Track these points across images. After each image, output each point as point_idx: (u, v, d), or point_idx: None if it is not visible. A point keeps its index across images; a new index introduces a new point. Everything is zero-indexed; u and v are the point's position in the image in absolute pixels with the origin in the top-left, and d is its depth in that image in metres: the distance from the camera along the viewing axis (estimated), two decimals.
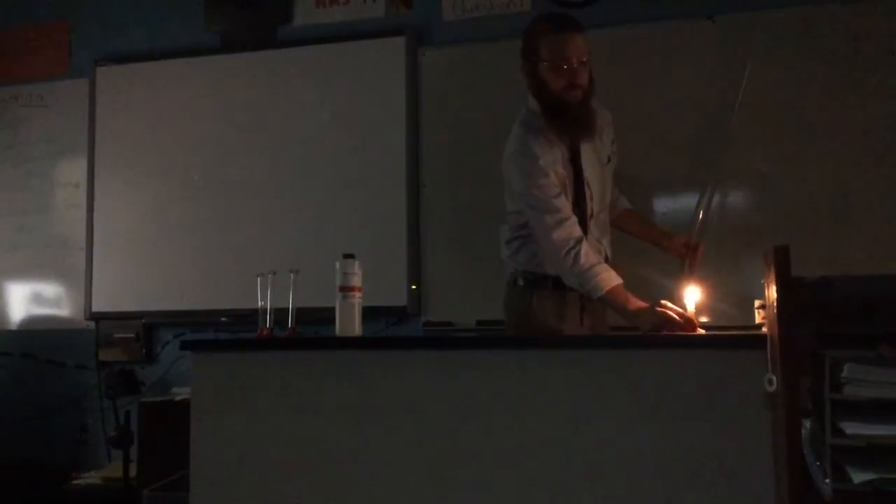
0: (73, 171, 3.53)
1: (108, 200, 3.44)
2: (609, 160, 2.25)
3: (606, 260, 2.16)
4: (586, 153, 2.15)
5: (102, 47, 3.55)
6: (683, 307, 1.82)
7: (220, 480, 1.87)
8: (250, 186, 3.28)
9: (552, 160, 2.05)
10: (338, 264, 2.00)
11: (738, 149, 2.79)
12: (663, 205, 2.86)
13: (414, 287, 3.07)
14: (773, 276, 1.42)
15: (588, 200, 2.14)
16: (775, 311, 1.41)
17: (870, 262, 2.60)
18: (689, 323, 1.79)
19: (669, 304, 1.82)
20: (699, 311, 1.81)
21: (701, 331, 1.79)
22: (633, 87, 2.90)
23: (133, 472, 2.88)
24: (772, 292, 1.44)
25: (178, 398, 2.96)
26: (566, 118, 2.05)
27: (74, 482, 3.07)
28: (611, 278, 1.95)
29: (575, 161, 2.11)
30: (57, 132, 3.58)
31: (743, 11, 2.83)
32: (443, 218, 3.04)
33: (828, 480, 1.33)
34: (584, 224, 2.08)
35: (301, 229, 3.19)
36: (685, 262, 2.15)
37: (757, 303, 1.88)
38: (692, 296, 1.81)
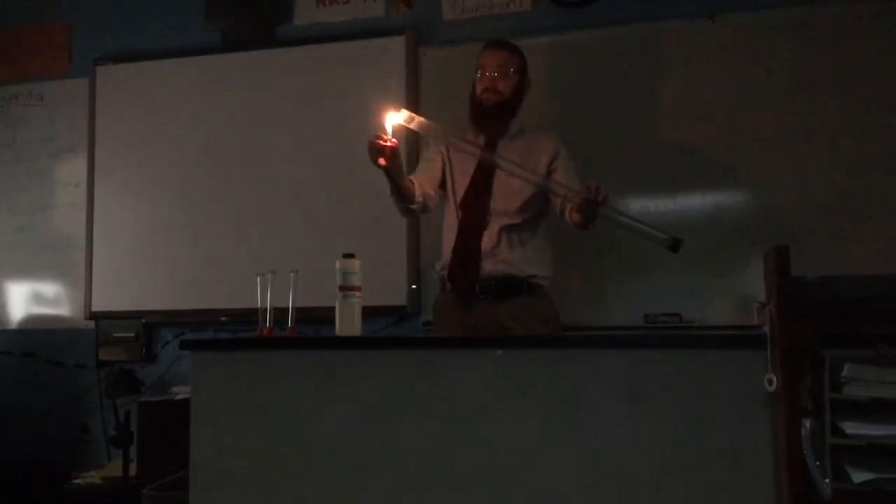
0: (72, 170, 3.53)
1: (107, 200, 3.44)
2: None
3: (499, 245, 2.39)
4: (504, 151, 2.39)
5: (102, 46, 3.55)
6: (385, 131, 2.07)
7: (220, 480, 1.87)
8: (250, 185, 3.28)
9: (429, 157, 2.53)
10: (338, 264, 2.00)
11: (737, 148, 2.80)
12: (662, 205, 2.86)
13: (414, 287, 3.08)
14: (773, 276, 1.42)
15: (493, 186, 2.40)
16: (775, 310, 1.42)
17: (870, 262, 2.60)
18: (380, 140, 2.06)
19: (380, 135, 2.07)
20: (394, 133, 2.07)
21: (392, 143, 2.06)
22: (633, 87, 2.90)
23: (133, 471, 2.88)
24: (772, 292, 1.44)
25: (177, 398, 2.95)
26: (479, 116, 2.41)
27: (74, 481, 3.06)
28: None
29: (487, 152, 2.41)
30: (57, 131, 3.58)
31: (744, 11, 2.83)
32: (442, 217, 3.02)
33: (828, 480, 1.33)
34: (485, 201, 2.39)
35: (301, 229, 3.19)
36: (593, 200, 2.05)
37: (757, 303, 1.88)
38: (391, 119, 2.07)
